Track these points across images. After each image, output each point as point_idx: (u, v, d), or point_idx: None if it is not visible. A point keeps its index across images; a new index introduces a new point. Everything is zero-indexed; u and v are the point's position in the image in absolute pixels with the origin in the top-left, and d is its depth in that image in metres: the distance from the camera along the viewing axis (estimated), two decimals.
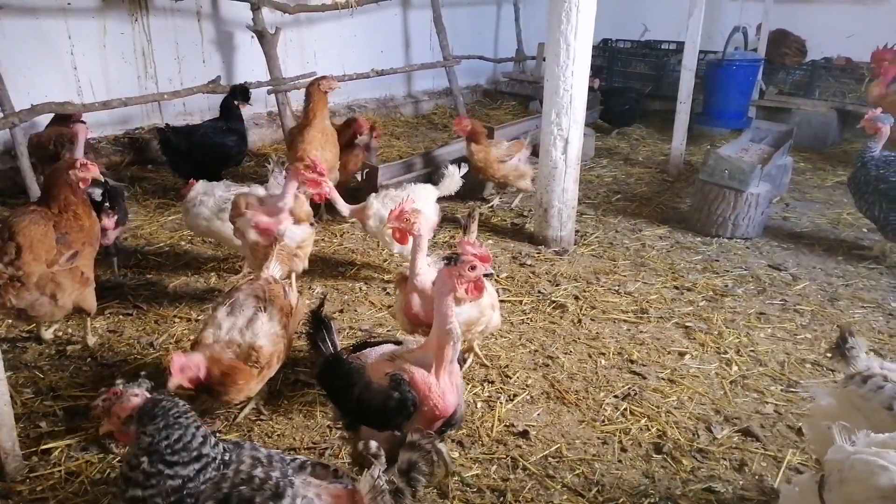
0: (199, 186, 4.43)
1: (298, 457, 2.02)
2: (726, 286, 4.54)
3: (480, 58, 9.36)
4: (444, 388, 2.32)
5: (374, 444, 1.93)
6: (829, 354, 3.28)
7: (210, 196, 4.34)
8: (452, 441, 2.99)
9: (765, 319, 4.12)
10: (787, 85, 8.44)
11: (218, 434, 2.08)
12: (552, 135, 4.93)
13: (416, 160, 6.21)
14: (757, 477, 2.84)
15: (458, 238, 3.53)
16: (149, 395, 2.00)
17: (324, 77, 5.26)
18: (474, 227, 3.47)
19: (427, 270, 2.99)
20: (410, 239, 3.06)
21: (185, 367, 2.62)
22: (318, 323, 2.46)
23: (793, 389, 3.44)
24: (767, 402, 3.33)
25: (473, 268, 2.32)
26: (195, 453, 1.82)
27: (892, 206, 4.68)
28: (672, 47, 9.15)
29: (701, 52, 8.56)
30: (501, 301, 4.25)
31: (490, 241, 5.21)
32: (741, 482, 2.81)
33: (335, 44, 8.11)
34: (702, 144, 7.97)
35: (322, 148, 5.19)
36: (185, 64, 6.88)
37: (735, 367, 3.62)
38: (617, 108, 8.31)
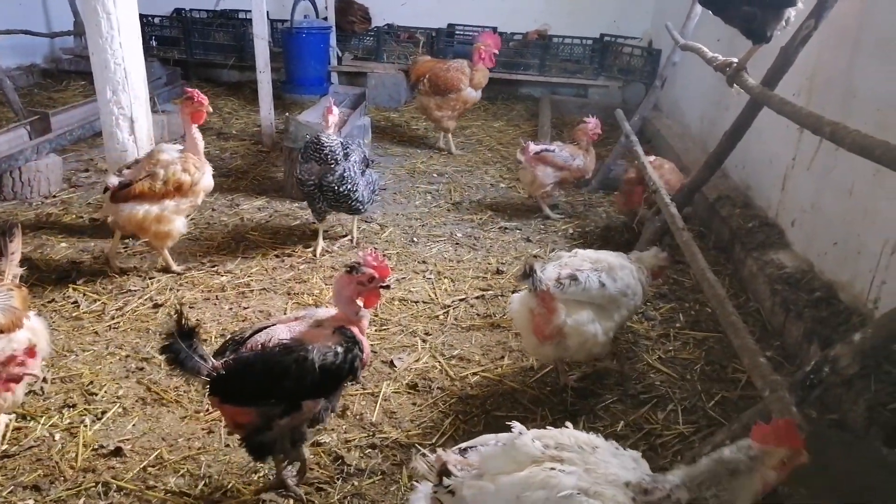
0: None
1: None
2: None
3: (26, 32, 7.92)
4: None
5: None
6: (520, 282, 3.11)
7: None
8: (24, 489, 2.53)
9: None
10: (360, 50, 9.11)
11: None
12: (113, 115, 4.43)
13: None
14: (358, 416, 3.06)
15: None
16: None
17: None
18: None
19: None
20: None
21: None
22: (186, 335, 2.21)
23: (385, 327, 3.79)
24: None
25: (372, 279, 2.44)
26: None
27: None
28: (250, 17, 9.03)
29: (277, 20, 8.74)
30: (81, 314, 3.74)
31: (64, 244, 4.51)
32: (345, 426, 3.00)
33: None
34: (293, 112, 8.12)
35: None
36: None
37: None
38: None
